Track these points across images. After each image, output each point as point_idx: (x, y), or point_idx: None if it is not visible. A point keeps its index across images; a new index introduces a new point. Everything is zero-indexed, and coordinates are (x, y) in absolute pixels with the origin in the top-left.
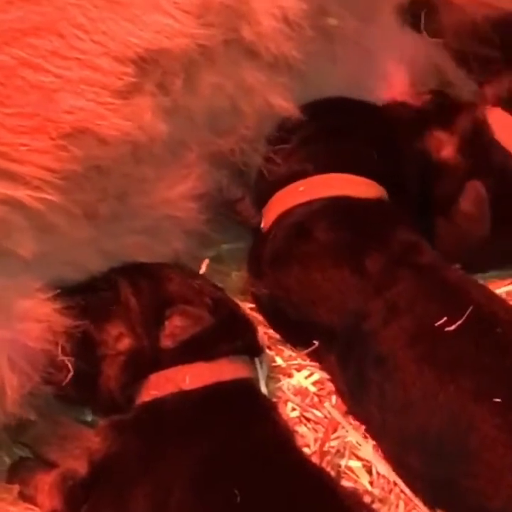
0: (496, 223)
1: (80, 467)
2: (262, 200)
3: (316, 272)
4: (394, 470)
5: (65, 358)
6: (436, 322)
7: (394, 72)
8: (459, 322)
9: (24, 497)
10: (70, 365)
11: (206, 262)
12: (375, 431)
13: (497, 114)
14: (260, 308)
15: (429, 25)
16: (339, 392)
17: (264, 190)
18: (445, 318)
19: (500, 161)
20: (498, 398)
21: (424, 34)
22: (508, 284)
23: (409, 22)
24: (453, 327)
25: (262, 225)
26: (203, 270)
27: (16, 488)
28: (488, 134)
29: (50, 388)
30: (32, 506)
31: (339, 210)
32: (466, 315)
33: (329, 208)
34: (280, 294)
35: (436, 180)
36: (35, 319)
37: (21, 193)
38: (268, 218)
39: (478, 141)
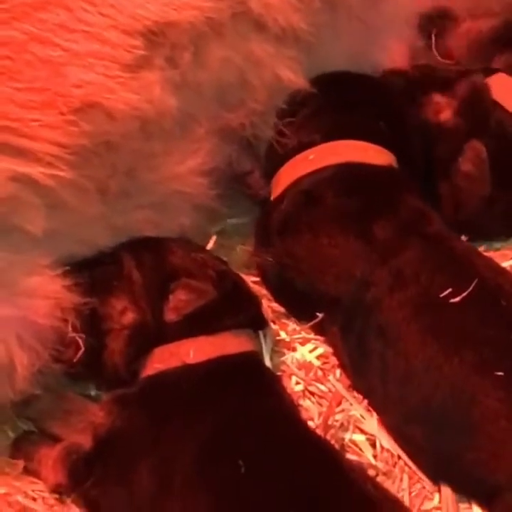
0: (496, 183)
1: (84, 441)
2: (272, 172)
3: (324, 238)
4: (397, 443)
5: (75, 335)
6: (441, 293)
7: (395, 49)
8: (464, 294)
9: (28, 471)
10: (80, 342)
11: (214, 238)
12: (377, 404)
13: (499, 77)
14: (265, 280)
15: (438, 46)
16: (342, 365)
17: (274, 163)
18: (450, 290)
19: (499, 121)
20: (502, 371)
21: None
22: None
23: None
24: (458, 299)
25: (271, 197)
26: (210, 246)
27: (20, 462)
28: (486, 95)
29: (58, 365)
30: (36, 480)
31: (349, 176)
32: (471, 287)
33: (338, 174)
34: (288, 262)
35: (436, 143)
36: (44, 296)
37: (33, 170)
38: (278, 188)
39: (477, 103)
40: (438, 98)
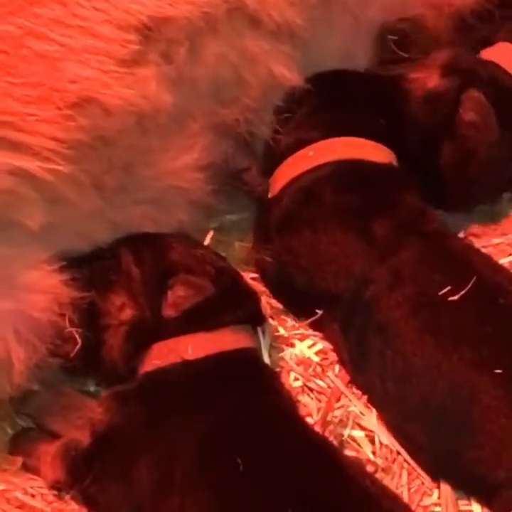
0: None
1: (83, 438)
2: (270, 169)
3: (323, 235)
4: (397, 440)
5: (73, 329)
6: (439, 291)
7: None
8: (462, 292)
9: (27, 468)
10: (77, 337)
11: (211, 233)
12: (377, 401)
13: (500, 45)
14: (264, 277)
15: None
16: (342, 361)
17: (273, 160)
18: (448, 288)
19: (491, 74)
20: (500, 369)
21: None
22: None
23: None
24: (456, 297)
25: (269, 194)
26: (207, 241)
27: (19, 459)
28: (466, 54)
29: (55, 360)
30: (35, 477)
31: (348, 173)
32: (469, 285)
33: (338, 171)
34: (287, 259)
35: (432, 113)
36: (42, 290)
37: (30, 164)
38: (277, 185)
39: (458, 61)
40: (418, 75)
